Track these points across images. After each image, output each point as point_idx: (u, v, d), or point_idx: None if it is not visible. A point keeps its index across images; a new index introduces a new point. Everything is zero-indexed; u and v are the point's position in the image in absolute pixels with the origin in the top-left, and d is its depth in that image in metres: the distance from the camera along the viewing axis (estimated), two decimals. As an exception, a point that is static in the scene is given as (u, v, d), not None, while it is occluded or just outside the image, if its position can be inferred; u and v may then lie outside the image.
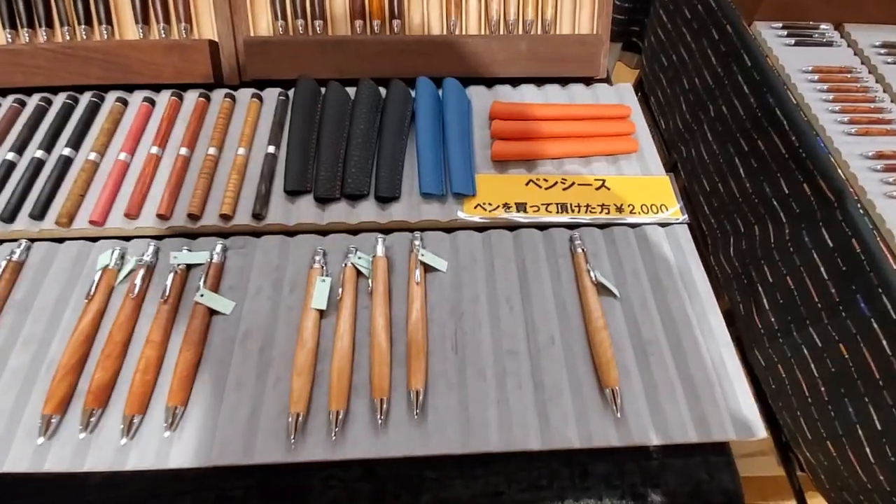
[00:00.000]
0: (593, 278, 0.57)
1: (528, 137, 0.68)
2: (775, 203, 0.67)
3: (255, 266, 0.58)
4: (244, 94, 0.74)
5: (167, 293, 0.54)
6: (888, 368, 0.52)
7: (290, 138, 0.67)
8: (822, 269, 0.60)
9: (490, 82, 0.79)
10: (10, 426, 0.47)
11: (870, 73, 0.78)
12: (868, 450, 0.55)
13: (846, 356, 0.56)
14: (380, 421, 0.48)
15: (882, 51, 0.80)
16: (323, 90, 0.72)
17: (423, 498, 0.48)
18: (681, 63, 0.87)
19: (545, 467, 0.50)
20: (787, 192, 0.65)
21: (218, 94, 0.74)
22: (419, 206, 0.64)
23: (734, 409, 0.51)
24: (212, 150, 0.66)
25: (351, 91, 0.73)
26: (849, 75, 0.77)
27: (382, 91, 0.73)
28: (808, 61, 0.78)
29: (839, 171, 0.61)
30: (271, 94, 0.74)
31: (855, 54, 0.81)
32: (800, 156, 0.63)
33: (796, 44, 0.81)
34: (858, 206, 0.58)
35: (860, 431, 0.56)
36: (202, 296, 0.54)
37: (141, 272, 0.55)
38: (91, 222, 0.60)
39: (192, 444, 0.47)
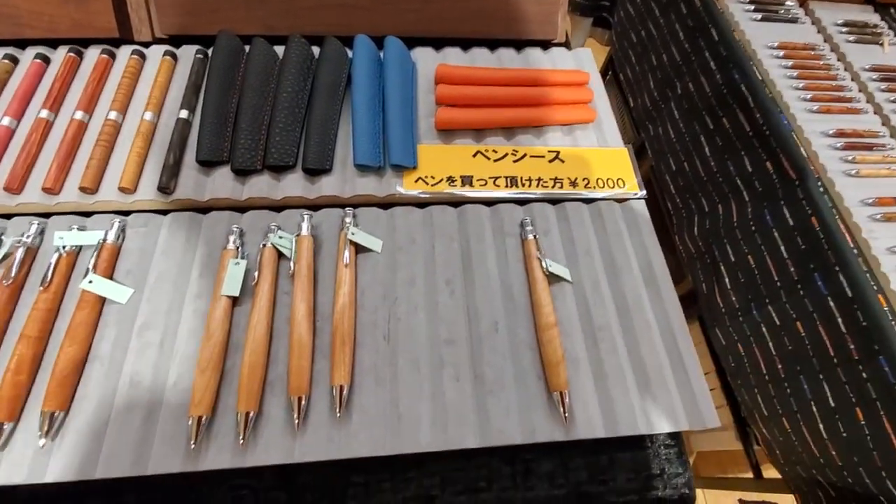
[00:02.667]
0: (545, 268, 0.52)
1: (476, 104, 0.62)
2: (738, 181, 0.64)
3: (158, 248, 0.51)
4: (156, 52, 0.65)
5: (48, 279, 0.46)
6: (843, 346, 0.50)
7: (205, 102, 0.58)
8: (783, 247, 0.57)
9: (438, 44, 0.72)
10: None
11: (832, 51, 0.75)
12: (821, 426, 0.53)
13: (802, 334, 0.54)
14: (296, 422, 0.42)
15: (843, 29, 0.77)
16: (247, 48, 0.64)
17: (348, 506, 0.43)
18: (649, 38, 0.82)
19: (484, 467, 0.46)
20: (750, 170, 0.62)
21: (125, 52, 0.64)
22: (353, 179, 0.57)
23: (687, 397, 0.48)
24: (113, 115, 0.57)
25: (279, 50, 0.64)
26: (812, 52, 0.74)
27: (315, 50, 0.65)
28: (774, 37, 0.74)
29: (801, 148, 0.58)
30: (187, 52, 0.65)
31: (818, 32, 0.77)
32: (763, 133, 0.59)
33: (763, 19, 0.77)
34: (819, 184, 0.55)
35: (814, 408, 0.54)
36: (90, 282, 0.46)
37: (19, 255, 0.47)
38: (-39, 197, 0.51)
39: (73, 454, 0.40)
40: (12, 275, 0.46)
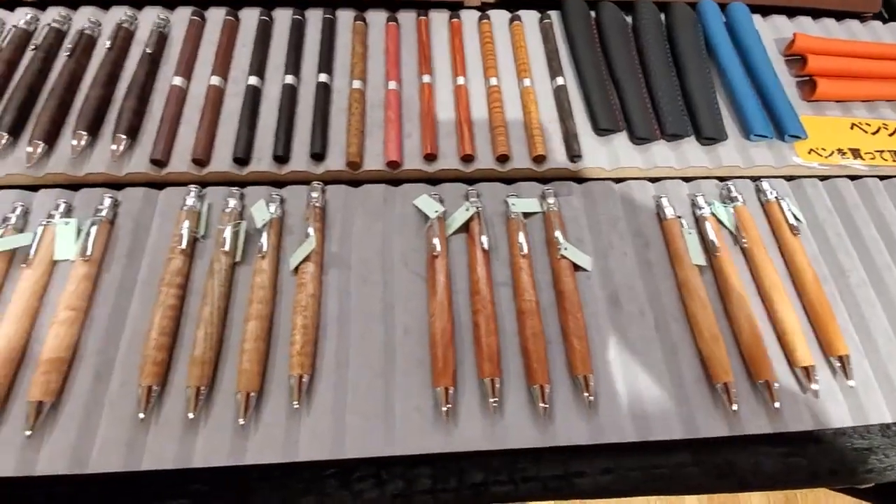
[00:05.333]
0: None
1: (848, 76, 0.60)
2: None
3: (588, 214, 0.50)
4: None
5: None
6: None
7: (583, 70, 0.57)
8: None
9: (759, 11, 0.69)
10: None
11: None
12: None
13: None
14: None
15: None
16: (592, 14, 0.62)
17: None
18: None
19: None
20: None
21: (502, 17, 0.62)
22: (747, 149, 0.55)
23: None
24: (493, 81, 0.56)
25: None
26: None
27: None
28: None
29: None
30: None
31: None
32: None
33: None
34: None
35: None
36: (566, 249, 0.45)
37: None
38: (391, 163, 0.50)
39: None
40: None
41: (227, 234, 0.44)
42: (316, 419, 0.39)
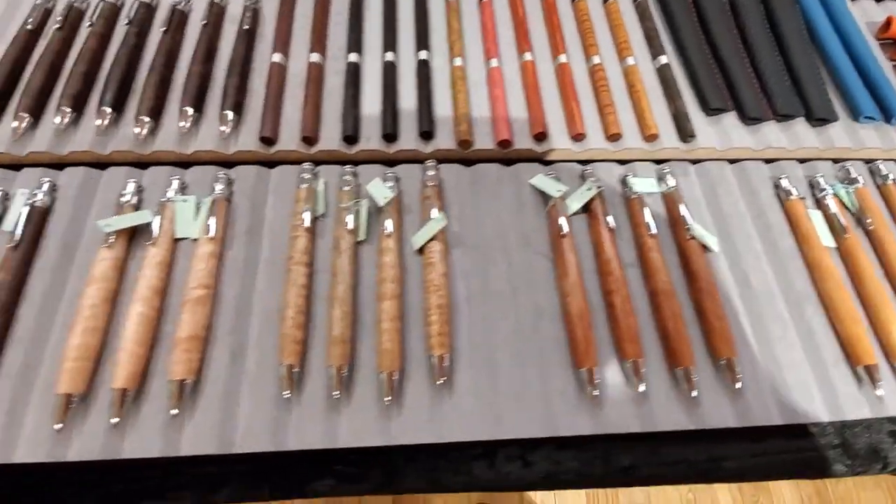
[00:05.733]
0: None
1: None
2: None
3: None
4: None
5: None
6: None
7: (686, 47, 0.55)
8: None
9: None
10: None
11: None
12: None
13: None
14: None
15: None
16: (688, -9, 0.60)
17: None
18: None
19: None
20: None
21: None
22: (857, 132, 0.54)
23: None
24: (596, 60, 0.54)
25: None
26: None
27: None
28: None
29: None
30: None
31: None
32: None
33: None
34: None
35: None
36: (693, 228, 0.44)
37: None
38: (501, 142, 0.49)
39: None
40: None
41: (353, 212, 0.43)
42: (459, 400, 0.38)
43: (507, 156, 0.50)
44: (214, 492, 0.36)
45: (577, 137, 0.50)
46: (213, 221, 0.42)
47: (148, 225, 0.42)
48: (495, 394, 0.38)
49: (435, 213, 0.43)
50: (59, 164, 0.47)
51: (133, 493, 0.36)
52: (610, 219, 0.44)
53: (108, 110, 0.47)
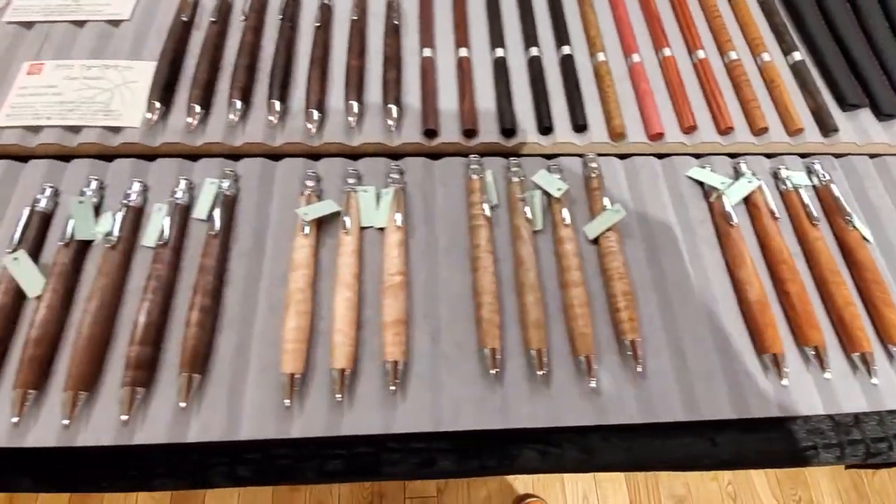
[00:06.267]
0: None
1: None
2: None
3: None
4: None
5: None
6: None
7: (814, 43, 0.57)
8: None
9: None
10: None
11: None
12: None
13: None
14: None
15: None
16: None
17: None
18: None
19: None
20: None
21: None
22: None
23: None
24: (734, 55, 0.56)
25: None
26: None
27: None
28: None
29: None
30: None
31: None
32: None
33: None
34: None
35: None
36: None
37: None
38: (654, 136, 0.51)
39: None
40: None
41: (529, 202, 0.45)
42: (653, 382, 0.40)
43: (656, 150, 0.51)
44: (426, 467, 0.39)
45: (726, 131, 0.51)
46: (397, 211, 0.44)
47: (336, 214, 0.44)
48: (685, 377, 0.40)
49: (608, 203, 0.45)
50: (230, 155, 0.49)
51: (352, 469, 0.38)
52: (775, 208, 0.46)
53: (278, 103, 0.49)
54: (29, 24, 0.54)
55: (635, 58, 0.55)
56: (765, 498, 1.13)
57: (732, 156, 0.51)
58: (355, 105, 0.49)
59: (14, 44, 0.53)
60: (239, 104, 0.48)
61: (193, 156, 0.48)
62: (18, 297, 0.40)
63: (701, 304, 0.43)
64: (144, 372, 0.37)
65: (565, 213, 0.44)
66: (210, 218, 0.44)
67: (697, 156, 0.51)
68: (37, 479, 0.38)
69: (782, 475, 1.15)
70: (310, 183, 0.46)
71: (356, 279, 0.41)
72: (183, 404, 0.37)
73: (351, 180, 0.46)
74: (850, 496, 1.16)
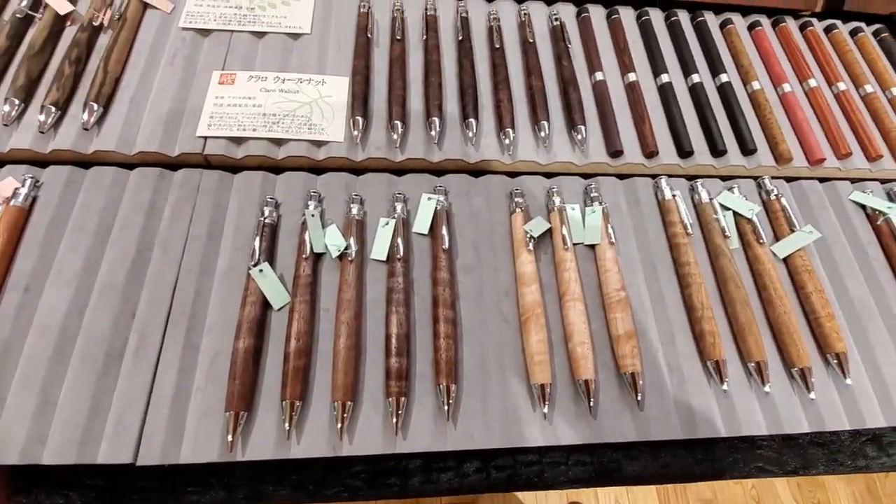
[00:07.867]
0: None
1: None
2: None
3: None
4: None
5: None
6: None
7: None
8: None
9: None
10: None
11: None
12: None
13: None
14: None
15: None
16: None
17: None
18: None
19: None
20: None
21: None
22: None
23: None
24: (869, 88, 0.60)
25: None
26: None
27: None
28: None
29: None
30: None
31: None
32: None
33: None
34: None
35: None
36: None
37: None
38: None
39: None
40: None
41: (723, 223, 0.48)
42: (860, 391, 0.44)
43: (813, 174, 0.55)
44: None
45: (875, 158, 0.56)
46: (610, 229, 0.47)
47: (547, 232, 0.47)
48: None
49: (800, 225, 0.49)
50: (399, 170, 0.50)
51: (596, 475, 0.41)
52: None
53: (474, 122, 0.51)
54: (206, 32, 0.55)
55: (786, 87, 0.59)
56: (786, 500, 1.19)
57: (883, 181, 0.56)
58: (546, 128, 0.52)
59: (193, 51, 0.54)
60: (437, 122, 0.50)
61: (398, 171, 0.50)
62: (264, 308, 0.41)
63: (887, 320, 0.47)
64: (404, 382, 0.39)
65: (760, 231, 0.48)
66: (431, 233, 0.45)
67: (852, 181, 0.56)
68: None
69: (804, 480, 1.21)
70: (518, 199, 0.48)
71: (583, 293, 0.44)
72: (443, 412, 0.39)
73: (556, 199, 0.48)
74: (864, 498, 1.22)
